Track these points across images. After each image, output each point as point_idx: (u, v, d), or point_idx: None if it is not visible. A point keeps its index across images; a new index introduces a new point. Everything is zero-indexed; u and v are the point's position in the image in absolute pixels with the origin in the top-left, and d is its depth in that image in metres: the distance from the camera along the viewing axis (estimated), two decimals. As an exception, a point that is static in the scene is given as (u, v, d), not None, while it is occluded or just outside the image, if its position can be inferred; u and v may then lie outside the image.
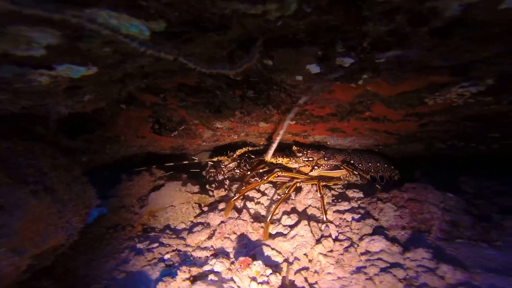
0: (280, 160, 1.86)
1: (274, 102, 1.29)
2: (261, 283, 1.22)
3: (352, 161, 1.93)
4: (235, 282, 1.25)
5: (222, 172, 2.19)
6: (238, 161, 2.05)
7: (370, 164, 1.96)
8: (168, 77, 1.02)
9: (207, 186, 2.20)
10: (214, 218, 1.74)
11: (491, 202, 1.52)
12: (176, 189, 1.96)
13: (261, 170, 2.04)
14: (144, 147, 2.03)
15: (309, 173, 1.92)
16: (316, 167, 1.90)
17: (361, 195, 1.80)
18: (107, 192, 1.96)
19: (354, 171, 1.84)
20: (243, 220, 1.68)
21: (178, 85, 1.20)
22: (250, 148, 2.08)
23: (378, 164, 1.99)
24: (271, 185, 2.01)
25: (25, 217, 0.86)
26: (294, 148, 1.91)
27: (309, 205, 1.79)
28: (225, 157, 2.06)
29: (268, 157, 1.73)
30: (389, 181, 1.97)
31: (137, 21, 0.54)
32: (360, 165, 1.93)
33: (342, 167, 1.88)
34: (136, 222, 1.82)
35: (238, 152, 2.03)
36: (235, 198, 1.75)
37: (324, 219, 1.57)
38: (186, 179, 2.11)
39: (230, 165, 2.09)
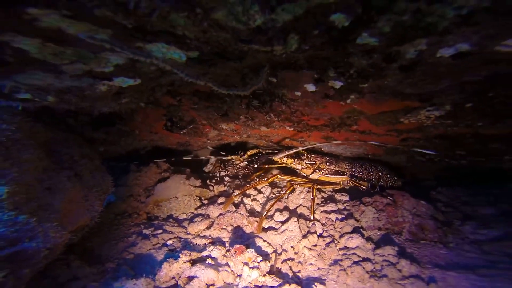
0: (285, 160, 1.99)
1: (275, 111, 1.49)
2: (252, 268, 1.40)
3: (353, 169, 2.03)
4: (229, 266, 1.43)
5: (231, 170, 2.30)
6: (248, 161, 2.10)
7: (371, 173, 2.03)
8: (188, 85, 1.21)
9: (208, 181, 2.38)
10: (213, 211, 1.92)
11: (457, 210, 1.73)
12: (180, 182, 2.13)
13: (266, 166, 2.07)
14: (153, 141, 2.21)
15: (310, 176, 2.04)
16: (317, 171, 2.03)
17: (347, 198, 2.00)
18: (115, 182, 2.12)
19: (356, 181, 1.95)
20: (240, 214, 1.86)
21: (194, 90, 1.39)
22: (261, 150, 2.13)
23: (380, 174, 2.07)
24: (267, 184, 2.19)
25: (64, 198, 1.03)
26: (301, 150, 2.02)
27: (300, 204, 1.98)
28: (238, 157, 2.12)
29: (277, 157, 1.91)
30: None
31: (180, 51, 0.73)
32: (361, 173, 2.04)
33: (341, 173, 2.01)
34: (141, 210, 1.98)
35: (249, 152, 2.10)
36: (236, 194, 1.93)
37: (312, 218, 1.76)
38: (189, 173, 2.29)
39: (241, 164, 2.16)
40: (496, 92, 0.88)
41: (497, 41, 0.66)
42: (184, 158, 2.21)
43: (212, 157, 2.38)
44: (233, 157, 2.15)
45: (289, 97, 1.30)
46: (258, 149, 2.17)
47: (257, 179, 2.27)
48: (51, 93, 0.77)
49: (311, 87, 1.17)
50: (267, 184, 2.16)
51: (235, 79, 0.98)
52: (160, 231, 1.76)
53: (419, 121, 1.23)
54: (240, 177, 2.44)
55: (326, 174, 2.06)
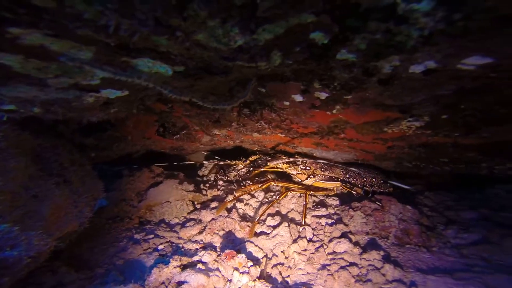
0: (281, 166, 2.04)
1: (266, 119, 1.53)
2: (242, 273, 1.42)
3: (347, 175, 2.08)
4: (220, 271, 1.45)
5: (232, 175, 2.28)
6: (250, 166, 2.10)
7: (365, 179, 2.08)
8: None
9: (201, 186, 2.40)
10: (206, 215, 1.94)
11: (442, 215, 1.79)
12: (173, 186, 2.14)
13: (261, 169, 2.08)
14: (146, 146, 2.22)
15: (304, 181, 2.08)
16: (311, 176, 2.07)
17: (337, 202, 2.04)
18: (108, 186, 2.12)
19: (348, 187, 1.99)
20: (232, 218, 1.88)
21: (184, 98, 1.42)
22: (262, 156, 2.15)
23: (374, 180, 2.09)
24: (261, 189, 2.21)
25: (51, 205, 1.04)
26: (296, 156, 2.08)
27: (292, 209, 2.01)
28: (240, 162, 2.12)
29: (272, 163, 1.95)
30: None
31: (166, 65, 0.76)
32: (355, 180, 2.09)
33: (336, 179, 2.05)
34: (134, 215, 1.99)
35: (251, 158, 2.12)
36: (230, 199, 1.95)
37: (303, 223, 1.79)
38: (183, 178, 2.30)
39: (243, 170, 2.17)
40: (465, 105, 0.94)
41: (457, 59, 0.72)
42: (188, 163, 2.22)
43: (214, 161, 2.39)
44: (235, 162, 2.13)
45: (278, 106, 1.34)
46: (259, 155, 2.19)
47: (250, 183, 2.29)
48: (37, 105, 0.79)
49: (298, 98, 1.21)
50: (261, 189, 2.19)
51: (223, 90, 1.01)
52: (152, 236, 1.76)
53: (402, 131, 1.28)
54: (234, 182, 2.46)
55: (321, 180, 2.11)
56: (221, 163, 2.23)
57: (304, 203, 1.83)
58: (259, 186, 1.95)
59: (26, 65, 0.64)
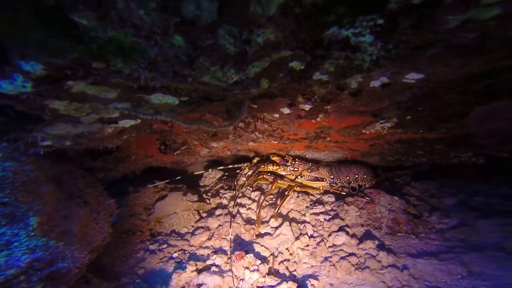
0: (271, 168, 2.24)
1: (259, 130, 1.71)
2: (253, 271, 1.55)
3: (332, 176, 2.23)
4: (232, 271, 1.58)
5: (242, 181, 2.30)
6: (251, 168, 2.23)
7: (347, 177, 2.22)
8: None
9: (204, 195, 2.53)
10: (212, 222, 2.07)
11: (426, 203, 1.97)
12: (178, 198, 2.27)
13: (258, 171, 2.26)
14: (149, 163, 2.36)
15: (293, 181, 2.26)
16: (299, 177, 2.26)
17: (333, 199, 2.21)
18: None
19: (336, 188, 2.19)
20: (237, 223, 2.02)
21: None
22: (262, 159, 2.32)
23: (357, 176, 2.23)
24: (260, 193, 2.37)
25: (78, 224, 1.17)
26: (286, 158, 2.28)
27: (291, 209, 2.17)
28: (247, 164, 2.23)
29: (263, 166, 2.15)
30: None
31: (173, 97, 0.93)
32: (338, 179, 2.24)
33: (321, 179, 2.24)
34: (144, 228, 2.10)
35: (254, 161, 2.27)
36: (245, 184, 2.11)
37: (276, 211, 1.94)
38: (186, 190, 2.43)
39: (249, 173, 2.28)
40: (422, 108, 1.14)
41: (402, 75, 0.93)
42: (195, 173, 2.37)
43: (215, 171, 2.52)
44: (242, 165, 2.26)
45: (269, 118, 1.52)
46: (260, 158, 2.33)
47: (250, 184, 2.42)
48: (68, 139, 0.94)
49: (286, 110, 1.40)
50: (259, 192, 2.35)
51: (220, 110, 1.18)
52: (165, 245, 1.88)
53: (377, 131, 1.48)
54: (235, 189, 2.59)
55: (307, 179, 2.28)
56: (230, 166, 2.38)
57: (286, 193, 2.02)
58: (271, 187, 2.13)
59: (68, 107, 0.81)
